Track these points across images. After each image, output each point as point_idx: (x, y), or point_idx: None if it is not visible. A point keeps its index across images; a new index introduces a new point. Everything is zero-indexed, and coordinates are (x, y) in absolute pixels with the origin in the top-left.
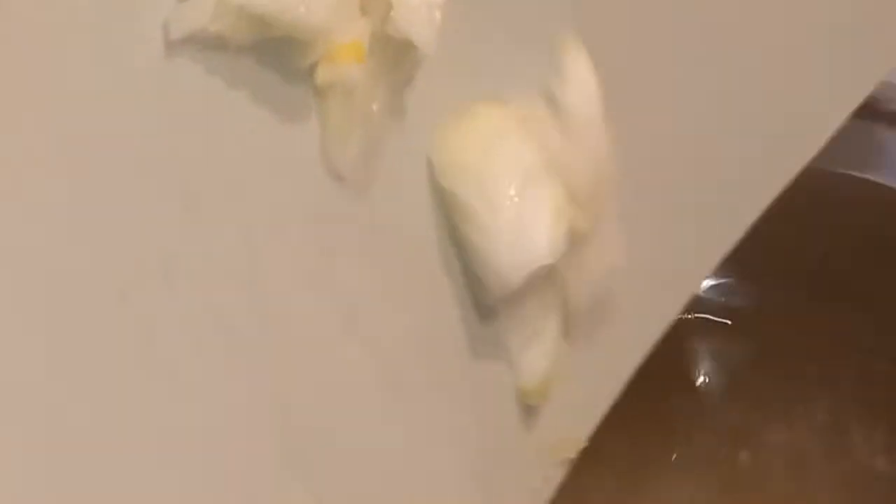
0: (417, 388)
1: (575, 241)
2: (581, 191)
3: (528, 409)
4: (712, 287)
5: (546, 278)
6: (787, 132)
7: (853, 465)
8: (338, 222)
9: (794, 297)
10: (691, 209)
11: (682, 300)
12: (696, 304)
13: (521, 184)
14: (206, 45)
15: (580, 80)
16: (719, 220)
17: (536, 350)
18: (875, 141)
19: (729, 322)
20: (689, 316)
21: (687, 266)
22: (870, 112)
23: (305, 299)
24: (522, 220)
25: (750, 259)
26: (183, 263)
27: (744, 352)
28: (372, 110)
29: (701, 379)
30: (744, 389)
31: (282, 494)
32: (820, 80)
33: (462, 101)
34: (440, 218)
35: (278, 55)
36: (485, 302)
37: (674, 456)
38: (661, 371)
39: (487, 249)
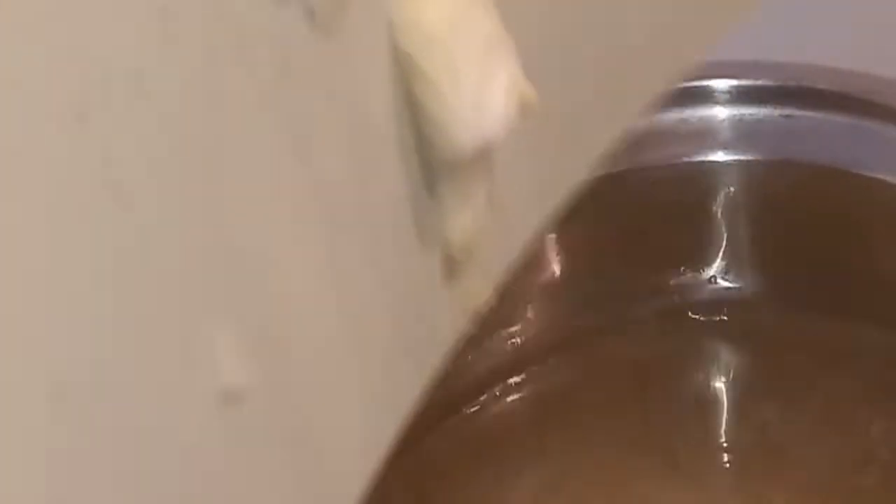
0: (354, 225)
1: (524, 113)
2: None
3: (449, 262)
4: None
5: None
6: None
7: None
8: (302, 56)
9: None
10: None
11: (586, 162)
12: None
13: (482, 56)
14: None
15: None
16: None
17: (468, 211)
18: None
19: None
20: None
21: (589, 132)
22: None
23: (261, 119)
24: (481, 93)
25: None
26: (147, 82)
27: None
28: None
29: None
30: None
31: (207, 310)
32: None
33: None
34: (398, 73)
35: None
36: (429, 162)
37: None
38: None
39: (443, 118)
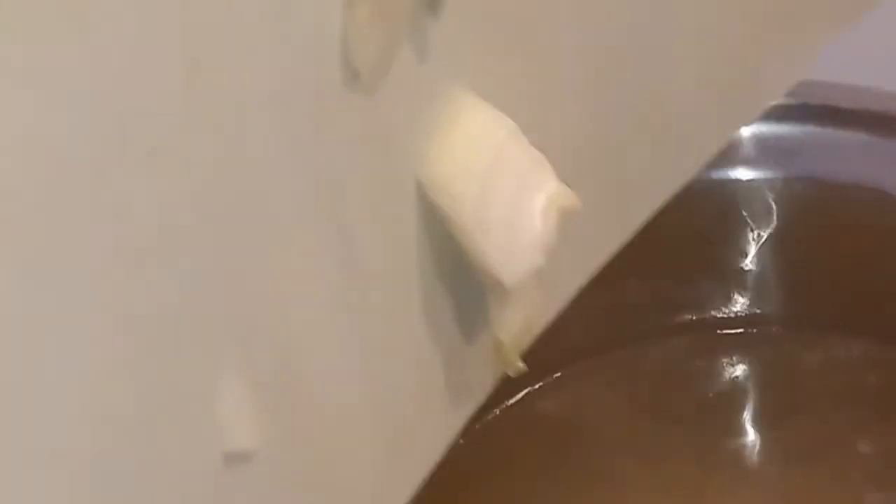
0: (381, 288)
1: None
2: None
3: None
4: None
5: None
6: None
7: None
8: (339, 117)
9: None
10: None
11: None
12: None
13: (514, 194)
14: None
15: None
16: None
17: (517, 316)
18: None
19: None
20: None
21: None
22: None
23: (291, 177)
24: (516, 230)
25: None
26: (168, 141)
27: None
28: (401, 18)
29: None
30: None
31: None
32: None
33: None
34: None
35: None
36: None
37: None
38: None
39: (480, 261)
